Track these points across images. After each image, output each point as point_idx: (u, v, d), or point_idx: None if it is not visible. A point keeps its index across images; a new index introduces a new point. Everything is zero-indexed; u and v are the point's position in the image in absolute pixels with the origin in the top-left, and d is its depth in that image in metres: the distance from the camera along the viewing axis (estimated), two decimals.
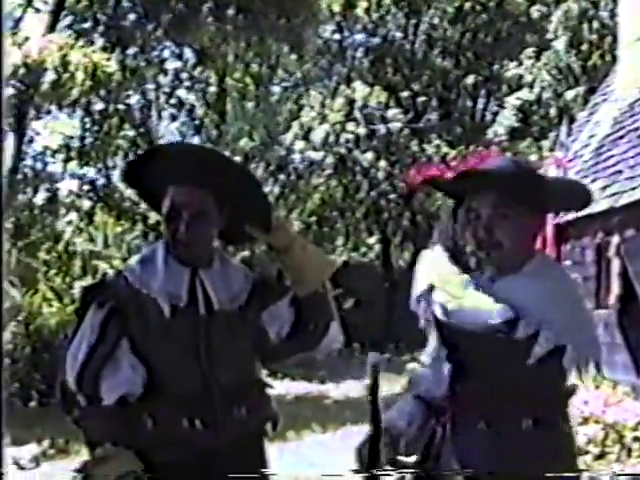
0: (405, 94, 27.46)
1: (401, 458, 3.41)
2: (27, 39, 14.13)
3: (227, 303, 3.35)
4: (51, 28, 15.74)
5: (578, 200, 3.44)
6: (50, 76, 14.31)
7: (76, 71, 14.41)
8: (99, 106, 21.22)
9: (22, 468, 9.55)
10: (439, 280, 3.31)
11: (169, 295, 3.28)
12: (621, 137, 12.29)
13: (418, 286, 3.38)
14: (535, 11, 26.74)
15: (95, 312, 3.28)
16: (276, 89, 28.35)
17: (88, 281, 13.37)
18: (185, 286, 3.32)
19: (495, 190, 3.20)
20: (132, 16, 18.97)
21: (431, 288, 3.31)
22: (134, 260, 3.48)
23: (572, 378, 3.23)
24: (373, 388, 3.44)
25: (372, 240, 29.47)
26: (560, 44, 24.83)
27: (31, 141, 18.66)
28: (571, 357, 3.10)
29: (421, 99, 27.64)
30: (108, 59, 15.35)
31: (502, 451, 3.12)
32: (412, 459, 3.39)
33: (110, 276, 3.70)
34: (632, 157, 11.37)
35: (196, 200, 3.30)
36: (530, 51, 25.74)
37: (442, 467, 3.26)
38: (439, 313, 3.28)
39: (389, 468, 3.42)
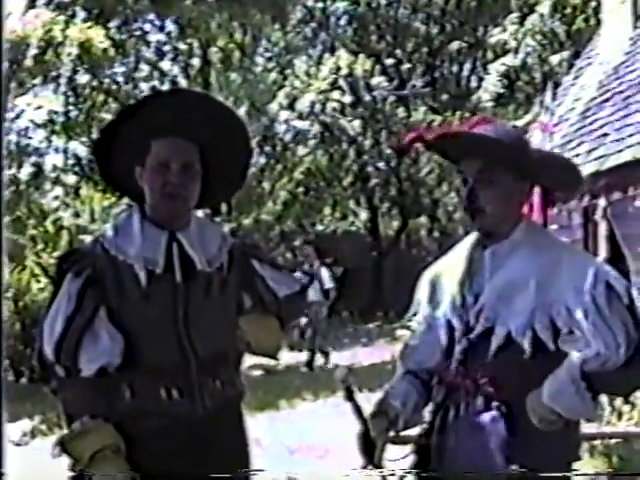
0: (390, 61, 27.40)
1: (403, 434, 3.37)
2: (9, 14, 14.03)
3: (206, 264, 3.27)
4: (32, 1, 15.63)
5: (568, 180, 3.40)
6: (34, 51, 14.24)
7: (62, 46, 14.33)
8: (83, 80, 21.06)
9: (15, 444, 9.56)
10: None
11: (146, 260, 3.19)
12: (606, 100, 12.26)
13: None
14: None
15: (71, 281, 3.18)
16: (260, 59, 28.22)
17: None
18: (162, 250, 3.22)
19: (480, 156, 3.19)
20: None
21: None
22: (109, 226, 3.34)
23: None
24: (350, 398, 3.43)
25: (359, 209, 29.51)
26: (544, 8, 24.72)
27: (17, 117, 18.52)
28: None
29: (406, 66, 27.59)
30: (89, 28, 15.28)
31: (517, 435, 3.04)
32: (414, 432, 3.36)
33: (86, 244, 3.58)
34: (617, 120, 11.33)
35: (184, 152, 3.23)
36: (514, 16, 25.62)
37: (450, 445, 3.19)
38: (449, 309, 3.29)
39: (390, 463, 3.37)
